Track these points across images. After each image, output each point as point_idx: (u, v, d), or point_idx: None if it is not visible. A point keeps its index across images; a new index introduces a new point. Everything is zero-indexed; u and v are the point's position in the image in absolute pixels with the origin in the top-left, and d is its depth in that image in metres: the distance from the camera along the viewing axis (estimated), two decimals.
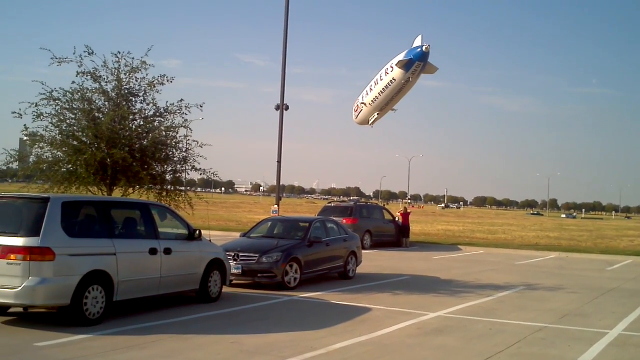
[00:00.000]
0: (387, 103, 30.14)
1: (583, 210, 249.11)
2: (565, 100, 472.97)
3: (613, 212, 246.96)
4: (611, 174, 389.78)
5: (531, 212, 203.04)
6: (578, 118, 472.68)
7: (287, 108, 29.87)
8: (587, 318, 12.56)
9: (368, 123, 32.68)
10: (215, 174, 17.50)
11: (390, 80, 28.25)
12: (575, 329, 11.37)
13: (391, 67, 28.03)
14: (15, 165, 16.55)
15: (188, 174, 17.81)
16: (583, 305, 14.19)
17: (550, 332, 10.97)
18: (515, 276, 19.52)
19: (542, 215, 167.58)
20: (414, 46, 26.91)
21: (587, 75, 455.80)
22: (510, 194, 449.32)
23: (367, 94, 30.76)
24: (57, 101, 15.23)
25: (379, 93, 29.58)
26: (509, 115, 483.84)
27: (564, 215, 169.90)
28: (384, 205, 38.39)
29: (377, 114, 31.28)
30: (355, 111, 32.78)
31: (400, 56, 27.19)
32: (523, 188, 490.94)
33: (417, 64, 26.76)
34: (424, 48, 26.40)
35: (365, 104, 31.13)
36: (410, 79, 27.72)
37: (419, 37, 26.92)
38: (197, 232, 12.42)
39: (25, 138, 16.98)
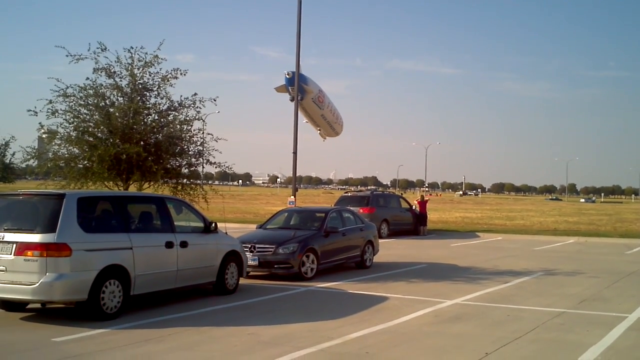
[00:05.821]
0: (313, 120, 31.08)
1: (602, 194, 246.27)
2: (583, 83, 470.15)
3: (633, 195, 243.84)
4: (630, 157, 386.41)
5: (550, 197, 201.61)
6: (596, 101, 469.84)
7: (302, 99, 29.86)
8: (606, 302, 12.46)
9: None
10: (231, 168, 17.54)
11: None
12: (595, 313, 11.28)
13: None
14: (32, 162, 16.69)
15: (203, 167, 17.86)
16: (602, 290, 14.08)
17: (569, 317, 10.89)
18: (534, 262, 19.40)
19: (561, 200, 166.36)
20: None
21: (604, 58, 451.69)
22: (528, 179, 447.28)
23: None
24: (71, 97, 15.31)
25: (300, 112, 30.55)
26: (526, 101, 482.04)
27: (583, 200, 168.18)
28: (401, 194, 38.23)
29: (319, 130, 32.26)
30: None
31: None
32: (541, 173, 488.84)
33: (291, 88, 28.07)
34: (286, 74, 27.93)
35: (306, 121, 32.23)
36: (302, 101, 28.73)
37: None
38: (213, 224, 12.43)
39: (43, 135, 17.13)
